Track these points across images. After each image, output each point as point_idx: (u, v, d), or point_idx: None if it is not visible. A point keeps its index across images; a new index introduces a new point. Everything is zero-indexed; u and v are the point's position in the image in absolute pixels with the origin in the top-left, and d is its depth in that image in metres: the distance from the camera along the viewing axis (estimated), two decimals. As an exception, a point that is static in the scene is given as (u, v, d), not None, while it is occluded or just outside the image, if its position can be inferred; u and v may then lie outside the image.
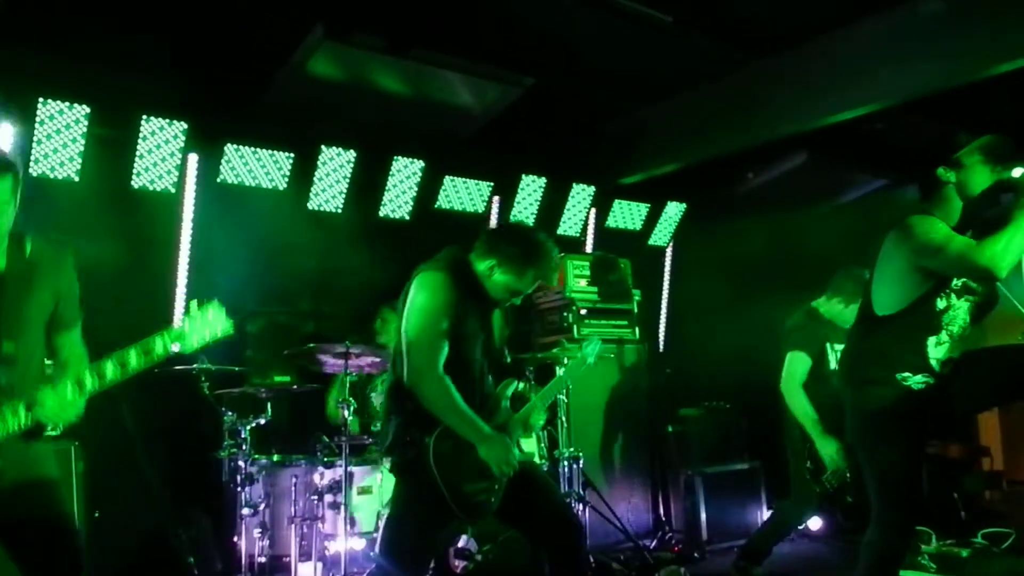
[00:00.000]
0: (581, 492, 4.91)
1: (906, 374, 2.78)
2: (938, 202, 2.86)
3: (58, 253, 2.39)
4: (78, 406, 2.18)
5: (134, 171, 4.62)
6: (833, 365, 4.23)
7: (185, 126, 4.69)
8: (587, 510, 4.95)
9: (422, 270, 2.84)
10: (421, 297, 2.77)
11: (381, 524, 4.14)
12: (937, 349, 2.80)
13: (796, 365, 4.20)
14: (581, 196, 6.31)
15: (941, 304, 2.78)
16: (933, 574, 4.46)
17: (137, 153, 4.60)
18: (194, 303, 2.31)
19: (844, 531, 5.41)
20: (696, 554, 5.34)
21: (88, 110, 4.40)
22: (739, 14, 4.89)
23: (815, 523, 5.60)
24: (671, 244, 7.07)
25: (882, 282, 2.86)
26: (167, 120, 4.65)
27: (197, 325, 2.27)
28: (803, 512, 4.47)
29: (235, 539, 4.23)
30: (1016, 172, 2.81)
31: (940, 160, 2.89)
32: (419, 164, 5.53)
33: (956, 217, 2.84)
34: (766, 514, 5.66)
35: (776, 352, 4.45)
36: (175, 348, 2.24)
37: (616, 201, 6.60)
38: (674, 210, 6.84)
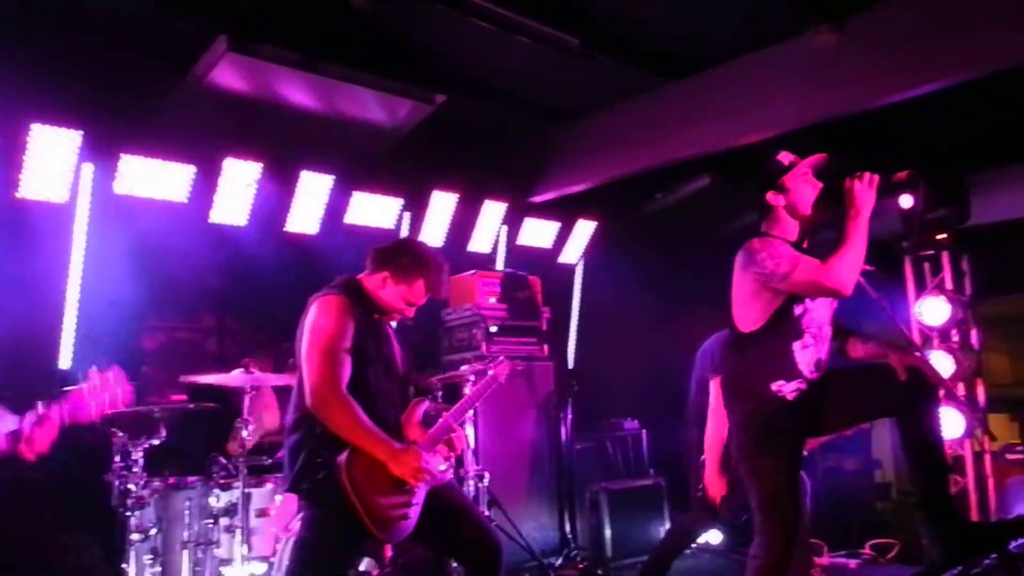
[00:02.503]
0: (487, 511, 4.90)
1: (780, 383, 2.89)
2: (775, 223, 3.02)
3: None
4: None
5: (21, 180, 4.41)
6: None
7: (80, 135, 4.51)
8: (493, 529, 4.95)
9: (318, 296, 2.86)
10: (319, 320, 2.78)
11: (279, 548, 4.04)
12: (804, 353, 2.93)
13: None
14: (492, 213, 6.33)
15: (798, 310, 2.91)
16: (822, 584, 4.62)
17: (25, 161, 4.40)
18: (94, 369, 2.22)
19: (744, 546, 5.55)
20: (600, 571, 5.40)
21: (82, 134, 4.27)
22: (646, 39, 5.03)
23: (716, 538, 5.73)
24: (581, 262, 7.16)
25: (739, 303, 3.00)
26: (60, 128, 4.46)
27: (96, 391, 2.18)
28: (700, 526, 4.58)
29: (124, 566, 4.05)
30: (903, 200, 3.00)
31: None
32: (328, 179, 5.46)
33: (795, 231, 3.00)
34: (669, 529, 5.77)
35: (682, 369, 4.56)
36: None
37: (527, 219, 6.65)
38: (584, 228, 6.93)
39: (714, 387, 4.34)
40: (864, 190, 2.84)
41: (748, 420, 2.96)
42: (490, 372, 3.75)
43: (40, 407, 2.39)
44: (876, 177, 2.86)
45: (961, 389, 5.79)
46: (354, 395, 2.72)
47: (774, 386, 2.89)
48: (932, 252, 5.94)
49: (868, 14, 4.67)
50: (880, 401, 2.94)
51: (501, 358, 3.84)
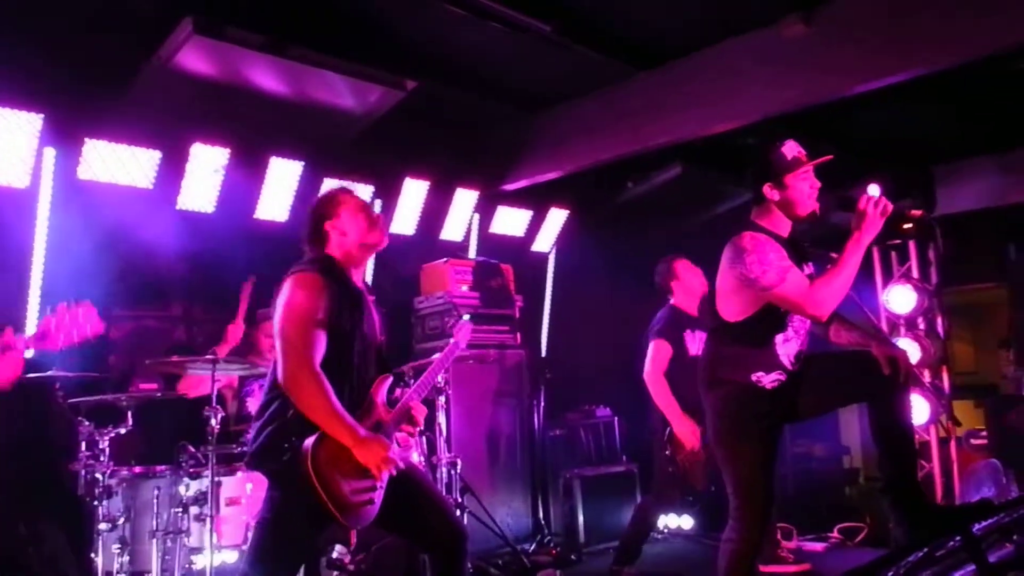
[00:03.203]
0: (459, 498, 4.90)
1: (760, 374, 2.92)
2: (767, 214, 3.01)
3: None
4: None
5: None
6: (693, 351, 4.44)
7: (40, 119, 4.41)
8: (466, 515, 4.95)
9: (292, 271, 2.81)
10: (294, 296, 2.73)
11: (250, 536, 4.01)
12: (786, 346, 2.96)
13: (658, 353, 4.39)
14: (464, 201, 6.31)
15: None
16: (790, 564, 4.67)
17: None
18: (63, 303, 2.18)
19: (715, 530, 5.61)
20: (573, 556, 5.43)
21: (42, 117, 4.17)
22: (619, 28, 5.03)
23: (687, 523, 5.79)
24: (553, 250, 7.16)
25: (723, 294, 3.01)
26: (20, 112, 4.36)
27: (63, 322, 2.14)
28: (660, 505, 4.63)
29: (92, 555, 3.99)
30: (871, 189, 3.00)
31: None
32: (298, 165, 5.40)
33: (787, 226, 3.01)
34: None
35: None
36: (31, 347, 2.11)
37: (499, 207, 6.64)
38: (557, 217, 6.93)
39: (650, 349, 4.41)
40: (874, 216, 2.82)
41: (724, 406, 2.98)
42: (452, 339, 3.73)
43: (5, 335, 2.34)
44: (890, 207, 2.84)
45: (927, 376, 5.89)
46: (329, 371, 2.68)
47: (754, 376, 2.93)
48: (899, 241, 6.03)
49: (836, 4, 4.71)
50: (857, 388, 2.97)
51: (463, 321, 3.82)
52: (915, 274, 5.96)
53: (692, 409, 4.21)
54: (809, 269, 3.03)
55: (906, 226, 5.79)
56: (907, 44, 4.53)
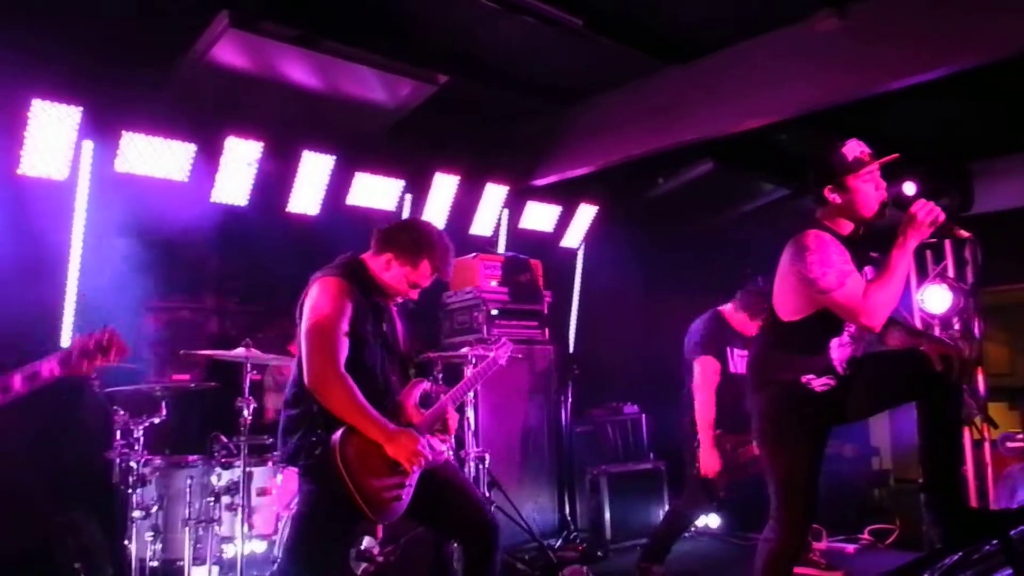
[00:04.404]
0: (487, 492, 4.91)
1: (810, 376, 2.87)
2: (830, 215, 2.94)
3: None
4: None
5: (22, 156, 4.38)
6: (732, 368, 4.40)
7: (79, 112, 4.48)
8: (493, 510, 4.95)
9: (318, 276, 2.85)
10: (319, 301, 2.77)
11: (281, 527, 4.05)
12: (840, 350, 2.90)
13: (707, 369, 4.35)
14: (494, 196, 6.31)
15: None
16: (822, 570, 4.63)
17: (26, 138, 4.37)
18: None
19: (742, 529, 5.57)
20: (600, 553, 5.42)
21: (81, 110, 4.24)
22: (651, 22, 4.99)
23: (714, 521, 5.76)
24: (582, 246, 7.14)
25: (783, 291, 2.94)
26: (60, 105, 4.43)
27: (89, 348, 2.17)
28: (695, 508, 4.61)
29: (125, 543, 4.06)
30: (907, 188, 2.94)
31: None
32: (330, 159, 5.43)
33: (850, 228, 2.92)
34: (668, 513, 5.79)
35: (680, 352, 4.58)
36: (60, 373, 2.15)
37: (529, 202, 6.63)
38: (586, 213, 6.91)
39: (697, 367, 4.37)
40: (924, 223, 2.75)
41: (771, 407, 2.94)
42: (491, 354, 3.74)
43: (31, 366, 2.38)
44: (942, 216, 2.76)
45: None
46: (352, 375, 2.71)
47: (804, 378, 2.86)
48: (935, 240, 5.93)
49: (871, -1, 4.65)
50: (908, 388, 2.90)
51: (503, 340, 3.83)
52: (951, 273, 5.86)
53: (727, 423, 4.20)
54: (869, 274, 2.94)
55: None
56: (944, 39, 4.45)
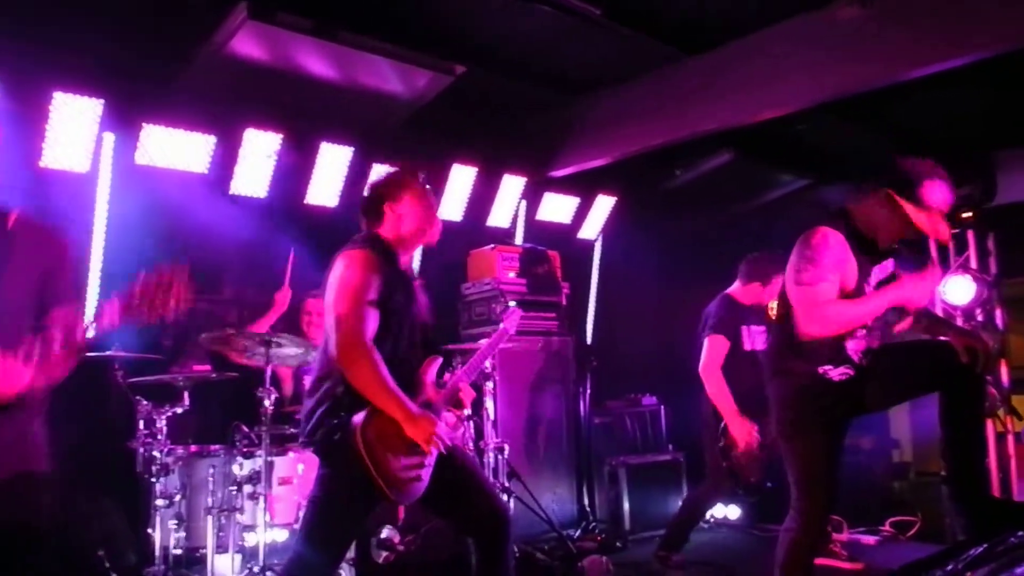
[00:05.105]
0: (506, 482, 4.92)
1: (827, 367, 2.87)
2: (862, 213, 2.94)
3: (46, 238, 2.28)
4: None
5: (44, 149, 4.42)
6: (748, 345, 4.39)
7: (101, 104, 4.51)
8: (512, 500, 4.97)
9: (344, 250, 2.83)
10: (346, 272, 2.74)
11: (301, 515, 4.07)
12: (855, 341, 2.90)
13: (714, 348, 4.34)
14: (511, 188, 6.30)
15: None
16: (843, 561, 4.61)
17: (48, 130, 4.41)
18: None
19: (762, 520, 5.56)
20: (619, 543, 5.42)
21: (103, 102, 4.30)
22: (669, 11, 4.96)
23: (733, 512, 5.75)
24: (600, 237, 7.12)
25: (791, 281, 2.94)
26: (81, 97, 4.46)
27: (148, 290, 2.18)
28: (713, 495, 4.60)
29: (149, 531, 4.10)
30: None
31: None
32: (348, 151, 5.44)
33: (877, 233, 2.93)
34: (687, 504, 5.78)
35: (699, 343, 4.56)
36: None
37: (546, 193, 6.62)
38: (604, 204, 6.89)
39: (707, 343, 4.36)
40: (927, 286, 2.82)
41: (790, 396, 2.95)
42: (501, 324, 3.74)
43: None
44: (937, 278, 2.79)
45: (984, 368, 5.73)
46: (378, 347, 2.70)
47: (820, 369, 2.88)
48: (957, 230, 5.87)
49: (895, -15, 4.60)
50: (932, 378, 2.90)
51: (512, 307, 3.82)
52: (973, 264, 5.80)
53: (746, 404, 4.17)
54: (890, 267, 2.97)
55: (965, 215, 5.70)
56: (967, 27, 4.40)
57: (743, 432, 4.19)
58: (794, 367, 2.93)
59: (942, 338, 2.98)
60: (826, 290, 2.79)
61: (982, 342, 2.85)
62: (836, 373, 2.87)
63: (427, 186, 3.01)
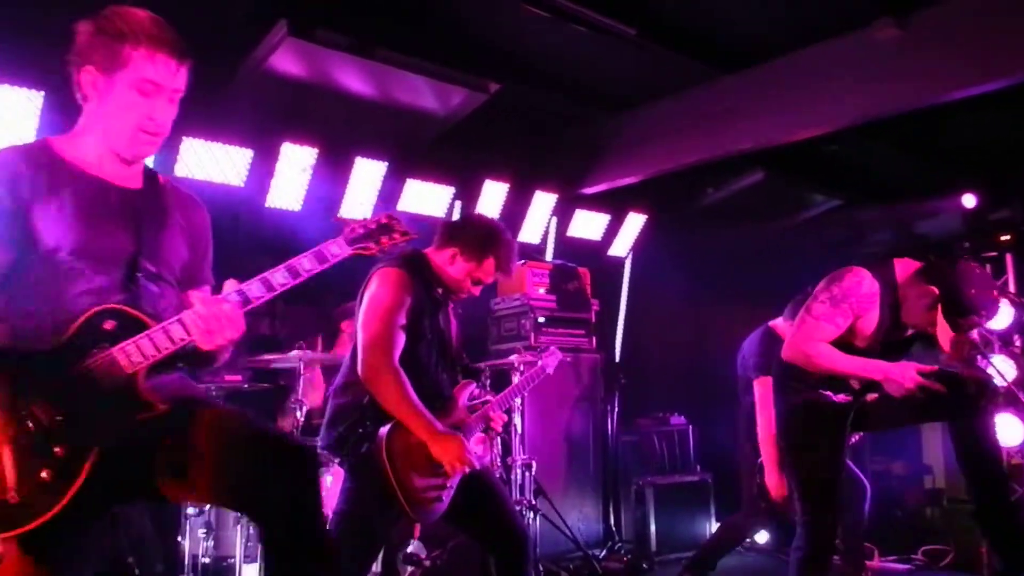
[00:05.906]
0: (532, 500, 4.91)
1: (828, 393, 2.97)
2: (913, 290, 2.94)
3: (193, 203, 2.23)
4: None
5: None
6: None
7: (142, 118, 4.58)
8: (538, 518, 4.95)
9: (380, 266, 2.84)
10: (379, 292, 2.77)
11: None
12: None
13: (767, 390, 4.28)
14: (543, 204, 6.31)
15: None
16: (874, 589, 4.54)
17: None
18: None
19: (789, 544, 5.47)
20: (644, 565, 5.37)
21: (43, 94, 4.28)
22: (703, 30, 4.97)
23: (762, 536, 5.67)
24: (630, 255, 7.11)
25: None
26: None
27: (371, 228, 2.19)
28: (752, 526, 4.54)
29: (179, 539, 4.14)
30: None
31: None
32: (382, 166, 5.49)
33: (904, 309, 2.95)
34: (714, 527, 5.71)
35: (729, 365, 4.51)
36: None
37: (577, 210, 6.63)
38: (635, 222, 6.88)
39: (758, 387, 4.29)
40: (908, 387, 2.80)
41: (793, 411, 3.03)
42: (540, 362, 3.74)
43: None
44: (921, 387, 2.77)
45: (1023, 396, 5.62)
46: (405, 369, 2.71)
47: (822, 391, 2.97)
48: (995, 254, 5.78)
49: (933, 8, 4.56)
50: (937, 407, 2.90)
51: (552, 349, 3.83)
52: (1011, 288, 5.70)
53: None
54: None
55: (1003, 238, 5.62)
56: (1005, 49, 4.37)
57: (777, 486, 4.14)
58: (797, 384, 3.02)
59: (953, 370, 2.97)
60: (828, 332, 2.86)
61: (990, 380, 2.92)
62: (837, 398, 2.97)
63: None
